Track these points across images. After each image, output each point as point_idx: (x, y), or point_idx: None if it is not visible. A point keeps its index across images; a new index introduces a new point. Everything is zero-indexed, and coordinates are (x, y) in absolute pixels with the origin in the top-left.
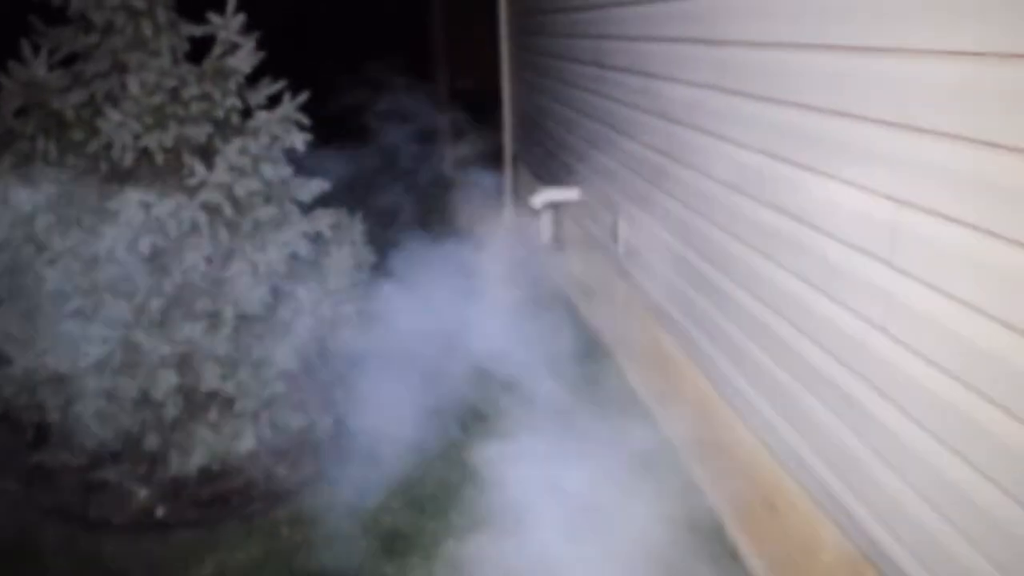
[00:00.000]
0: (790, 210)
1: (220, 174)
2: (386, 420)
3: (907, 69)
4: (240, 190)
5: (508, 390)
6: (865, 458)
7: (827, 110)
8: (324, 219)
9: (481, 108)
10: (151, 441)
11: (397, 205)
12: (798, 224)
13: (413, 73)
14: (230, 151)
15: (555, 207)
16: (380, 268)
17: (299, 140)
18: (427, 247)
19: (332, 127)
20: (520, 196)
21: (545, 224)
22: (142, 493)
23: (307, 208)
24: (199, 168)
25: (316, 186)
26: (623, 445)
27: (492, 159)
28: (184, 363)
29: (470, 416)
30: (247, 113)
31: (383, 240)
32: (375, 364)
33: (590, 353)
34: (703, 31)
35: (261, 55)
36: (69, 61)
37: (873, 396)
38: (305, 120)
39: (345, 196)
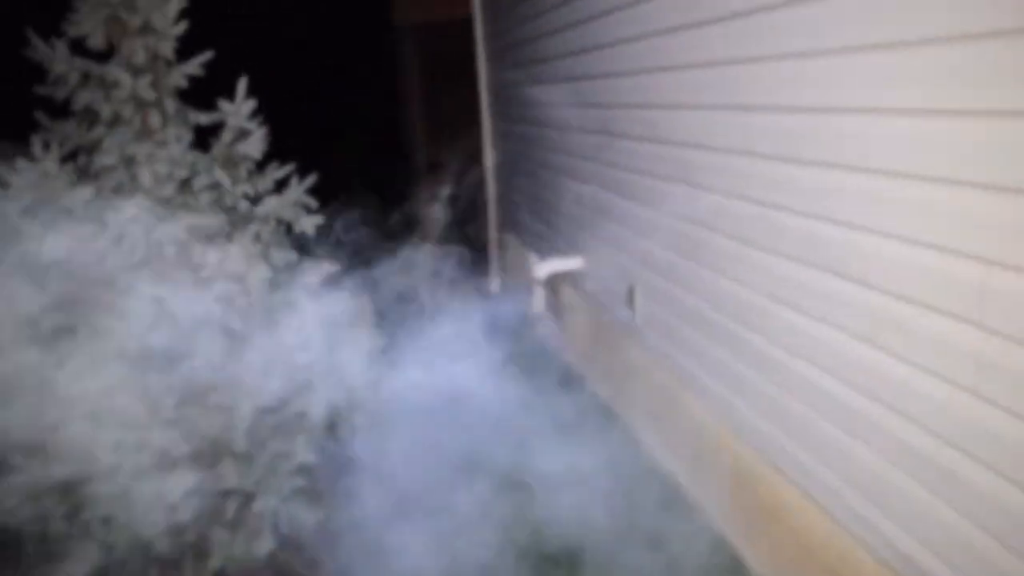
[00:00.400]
0: (843, 272)
1: (233, 263)
2: (401, 508)
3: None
4: (253, 278)
5: (525, 464)
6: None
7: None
8: (338, 303)
9: (462, 180)
10: (162, 546)
11: (383, 283)
12: (845, 282)
13: (389, 148)
14: (244, 239)
15: (551, 277)
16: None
17: (308, 224)
18: (418, 325)
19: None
20: (509, 266)
21: (539, 295)
22: None
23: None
24: (212, 258)
25: (325, 269)
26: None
27: (476, 232)
28: (200, 461)
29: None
30: (255, 199)
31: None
32: (385, 445)
33: (604, 423)
34: (731, 97)
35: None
36: (70, 156)
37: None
38: (313, 203)
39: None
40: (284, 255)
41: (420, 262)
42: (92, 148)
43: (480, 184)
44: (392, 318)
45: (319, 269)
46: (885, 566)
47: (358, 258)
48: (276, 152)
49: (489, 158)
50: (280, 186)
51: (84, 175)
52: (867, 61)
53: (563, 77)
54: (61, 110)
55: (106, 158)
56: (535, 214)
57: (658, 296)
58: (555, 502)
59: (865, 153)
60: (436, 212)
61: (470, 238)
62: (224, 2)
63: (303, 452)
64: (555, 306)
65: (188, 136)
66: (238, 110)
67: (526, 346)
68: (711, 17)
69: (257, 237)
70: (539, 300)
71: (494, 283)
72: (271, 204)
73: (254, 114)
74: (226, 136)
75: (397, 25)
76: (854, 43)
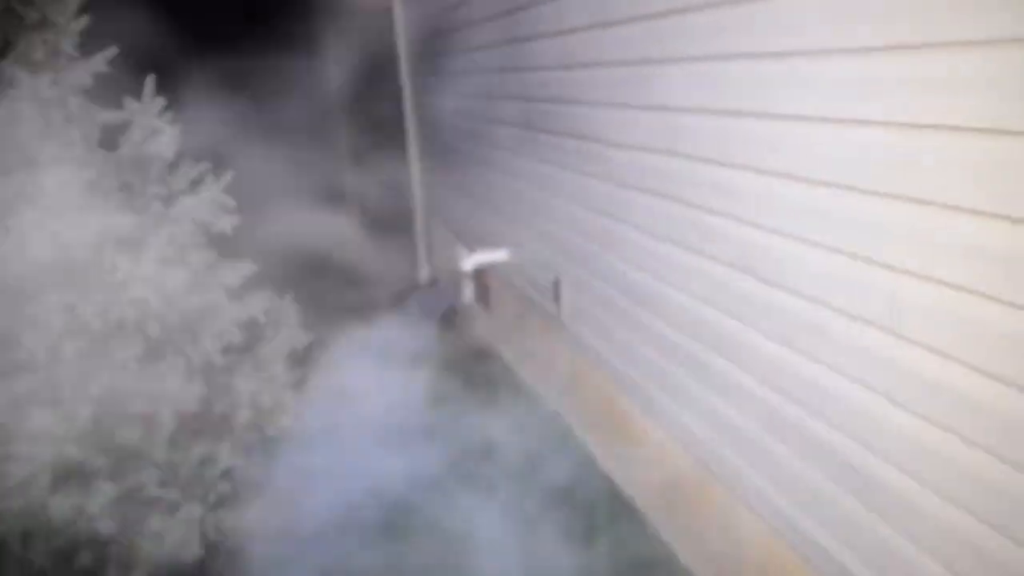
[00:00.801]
0: (760, 274)
1: (147, 267)
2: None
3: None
4: (168, 282)
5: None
6: (860, 513)
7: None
8: (257, 303)
9: (388, 169)
10: (84, 558)
11: (311, 278)
12: (746, 278)
13: (312, 132)
14: (158, 242)
15: (479, 269)
16: (310, 347)
17: (227, 223)
18: (347, 318)
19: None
20: (436, 255)
21: (468, 285)
22: None
23: (237, 293)
24: (123, 262)
25: (245, 268)
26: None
27: (403, 219)
28: (120, 471)
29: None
30: (169, 200)
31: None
32: (315, 447)
33: (532, 413)
34: (646, 96)
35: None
36: None
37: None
38: (231, 202)
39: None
40: (203, 256)
41: (346, 254)
42: None
43: (406, 171)
44: (319, 313)
45: (239, 269)
46: (807, 562)
47: (287, 252)
48: (205, 149)
49: (413, 146)
50: (196, 185)
51: None
52: (766, 67)
53: (486, 68)
54: None
55: (4, 159)
56: (461, 205)
57: (581, 287)
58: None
59: (761, 155)
60: (362, 202)
61: (398, 227)
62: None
63: (227, 457)
64: (484, 297)
65: (96, 134)
66: (146, 108)
67: (454, 337)
68: (623, 17)
69: (172, 239)
70: (468, 291)
71: (423, 272)
72: (186, 204)
73: (167, 111)
74: (135, 135)
75: (319, 10)
76: (755, 50)
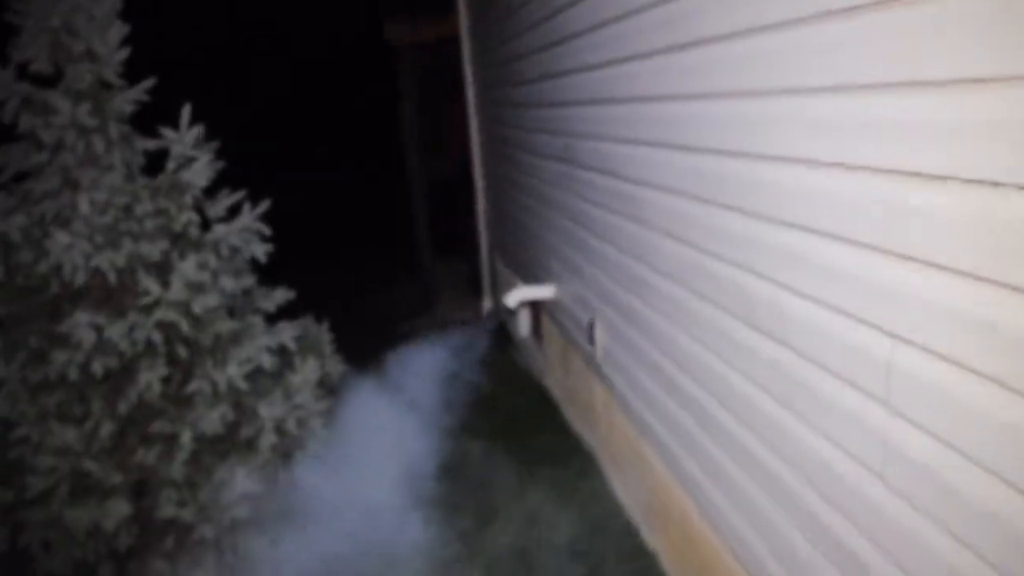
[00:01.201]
0: (773, 333)
1: (177, 291)
2: (356, 539)
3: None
4: (198, 307)
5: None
6: None
7: (810, 229)
8: (287, 331)
9: (456, 197)
10: (104, 572)
11: (375, 300)
12: (777, 346)
13: (386, 163)
14: (187, 268)
15: (534, 302)
16: (356, 371)
17: (260, 250)
18: (404, 344)
19: (301, 225)
20: (499, 286)
21: (524, 318)
22: None
23: (274, 318)
24: (153, 287)
25: (280, 295)
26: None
27: (469, 250)
28: (138, 490)
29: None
30: (207, 226)
31: (361, 340)
32: (345, 473)
33: (572, 458)
34: (675, 136)
35: (219, 165)
36: (19, 179)
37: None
38: (266, 230)
39: (318, 298)
40: (239, 282)
41: (413, 284)
42: (35, 173)
43: (472, 202)
44: (374, 342)
45: (275, 296)
46: None
47: (349, 279)
48: (264, 174)
49: (479, 178)
50: (234, 213)
51: (26, 200)
52: (797, 114)
53: (534, 101)
54: (7, 133)
55: (48, 183)
56: (515, 238)
57: (614, 332)
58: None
59: (788, 207)
60: (431, 231)
61: (465, 258)
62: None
63: (246, 481)
64: (538, 331)
65: (139, 160)
66: (182, 138)
67: (507, 371)
68: (648, 50)
69: (204, 265)
70: (524, 324)
71: (486, 304)
72: (219, 231)
73: (207, 140)
74: (170, 164)
75: (392, 44)
76: (784, 87)
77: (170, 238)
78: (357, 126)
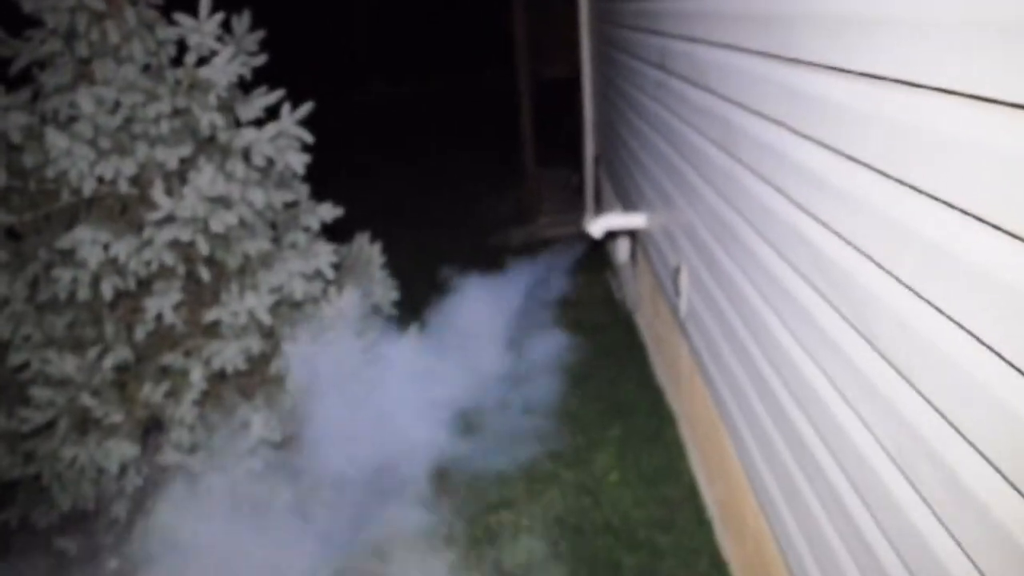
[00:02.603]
0: (899, 364)
1: (191, 206)
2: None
3: None
4: (217, 224)
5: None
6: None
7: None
8: (324, 255)
9: (563, 101)
10: (118, 509)
11: (471, 207)
12: (906, 388)
13: (494, 60)
14: (202, 179)
15: (612, 232)
16: (425, 295)
17: (297, 161)
18: (492, 261)
19: (395, 125)
20: (603, 201)
21: (623, 242)
22: (112, 564)
23: (330, 235)
24: (163, 200)
25: (327, 212)
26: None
27: (575, 158)
28: (146, 430)
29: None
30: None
31: (444, 253)
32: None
33: (653, 419)
34: (780, 42)
35: (257, 60)
36: (26, 72)
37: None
38: (307, 136)
39: (406, 204)
40: (280, 195)
41: (513, 191)
42: (48, 64)
43: (579, 108)
44: (459, 256)
45: (319, 211)
46: None
47: (445, 183)
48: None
49: (588, 83)
50: (272, 115)
51: (39, 96)
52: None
53: None
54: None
55: (59, 76)
56: (616, 152)
57: (699, 287)
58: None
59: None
60: (536, 136)
61: (571, 166)
62: None
63: (263, 427)
64: (636, 258)
65: (166, 54)
66: (201, 27)
67: (599, 301)
68: None
69: (231, 175)
70: (623, 249)
71: (588, 219)
72: (248, 136)
73: (252, 30)
74: (188, 57)
75: None
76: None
77: (195, 144)
78: (464, 22)
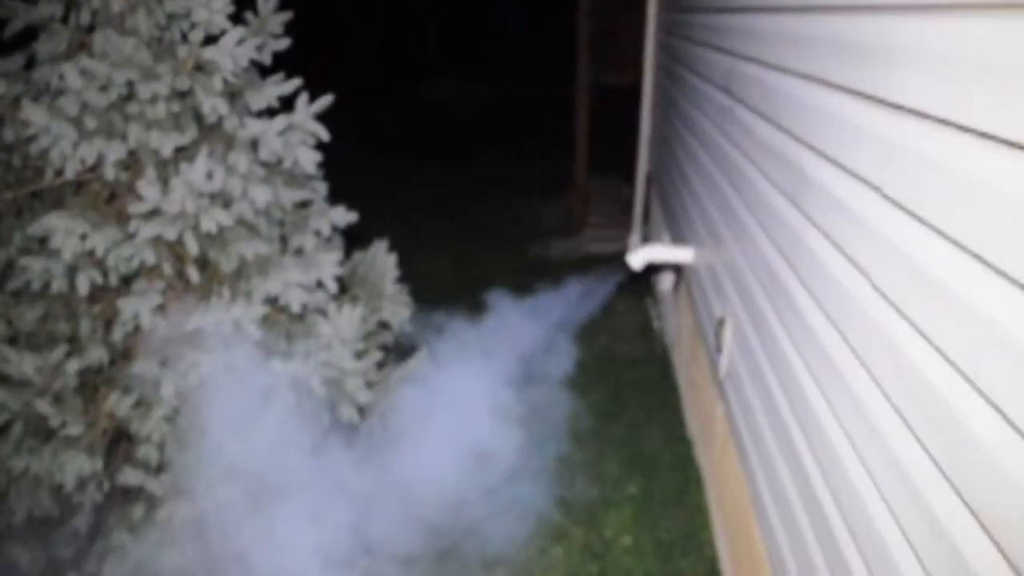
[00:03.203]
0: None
1: (178, 200)
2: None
3: None
4: (208, 223)
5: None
6: None
7: None
8: (328, 264)
9: (622, 112)
10: (79, 522)
11: (516, 213)
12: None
13: (559, 68)
14: (194, 173)
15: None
16: (449, 306)
17: (309, 158)
18: (528, 273)
19: (447, 123)
20: (651, 222)
21: (667, 271)
22: None
23: (349, 241)
24: (150, 192)
25: (340, 216)
26: None
27: (626, 171)
28: (114, 440)
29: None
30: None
31: (479, 263)
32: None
33: (677, 473)
34: (872, 82)
35: (279, 44)
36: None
37: None
38: (323, 132)
39: (448, 205)
40: (292, 194)
41: (561, 200)
42: (43, 28)
43: (636, 122)
44: (494, 265)
45: (331, 215)
46: None
47: (492, 186)
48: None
49: (648, 96)
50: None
51: (31, 66)
52: None
53: (703, 2)
54: None
55: (54, 43)
56: (669, 175)
57: (744, 349)
58: None
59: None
60: (590, 146)
61: (623, 180)
62: None
63: (242, 453)
64: (677, 292)
65: (178, 28)
66: (209, 2)
67: (636, 329)
68: None
69: (232, 169)
70: (667, 279)
71: (634, 239)
72: (254, 128)
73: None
74: (195, 35)
75: None
76: None
77: (199, 132)
78: (528, 23)
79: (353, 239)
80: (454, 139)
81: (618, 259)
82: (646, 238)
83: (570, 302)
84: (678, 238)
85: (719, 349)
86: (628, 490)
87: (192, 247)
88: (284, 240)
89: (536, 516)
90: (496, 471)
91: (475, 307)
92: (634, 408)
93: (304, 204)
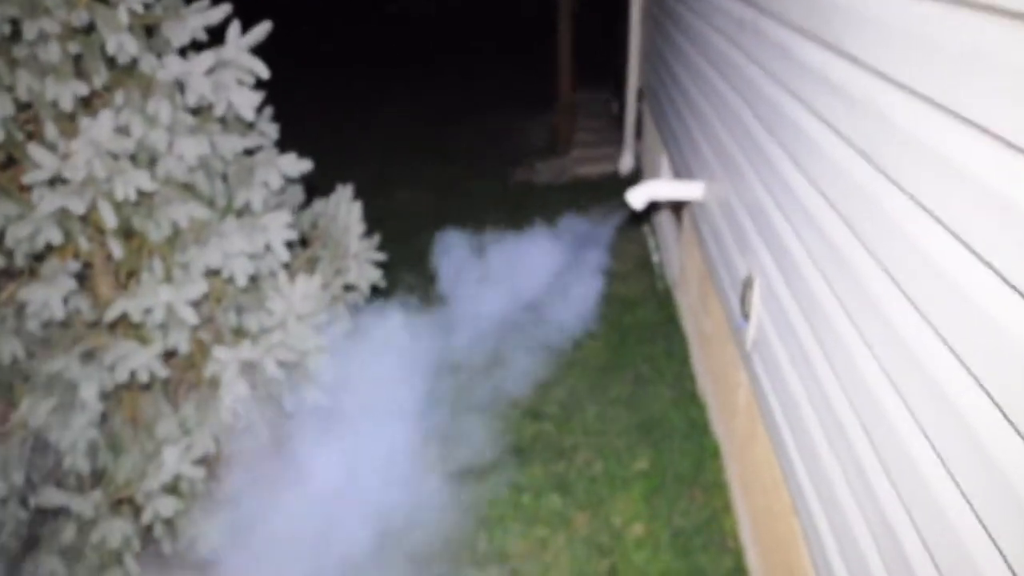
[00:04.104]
0: None
1: (84, 164)
2: None
3: None
4: (123, 190)
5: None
6: None
7: None
8: (276, 226)
9: (611, 21)
10: (6, 539)
11: (498, 132)
12: None
13: None
14: (98, 128)
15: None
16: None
17: (246, 101)
18: (512, 202)
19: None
20: (644, 141)
21: (667, 205)
22: None
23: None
24: (46, 157)
25: (290, 164)
26: None
27: (616, 85)
28: (38, 448)
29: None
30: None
31: (458, 194)
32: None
33: (689, 437)
34: None
35: None
36: None
37: None
38: (262, 68)
39: (421, 130)
40: (232, 142)
41: (546, 116)
42: None
43: (625, 32)
44: (475, 197)
45: (280, 163)
46: None
47: (472, 104)
48: None
49: (637, 2)
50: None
51: None
52: None
53: None
54: None
55: None
56: (667, 91)
57: (779, 315)
58: None
59: None
60: (575, 57)
61: (612, 93)
62: None
63: (179, 461)
64: (679, 224)
65: None
66: None
67: (632, 263)
68: None
69: (152, 120)
70: (667, 214)
71: (625, 159)
72: (175, 68)
73: None
74: None
75: None
76: None
77: (109, 76)
78: None
79: (319, 178)
80: (429, 55)
81: (609, 180)
82: (639, 157)
83: (560, 233)
84: (683, 168)
85: (745, 314)
86: (636, 465)
87: (109, 218)
88: (228, 196)
89: (535, 494)
90: (477, 438)
91: (452, 247)
92: (638, 360)
93: (249, 153)
